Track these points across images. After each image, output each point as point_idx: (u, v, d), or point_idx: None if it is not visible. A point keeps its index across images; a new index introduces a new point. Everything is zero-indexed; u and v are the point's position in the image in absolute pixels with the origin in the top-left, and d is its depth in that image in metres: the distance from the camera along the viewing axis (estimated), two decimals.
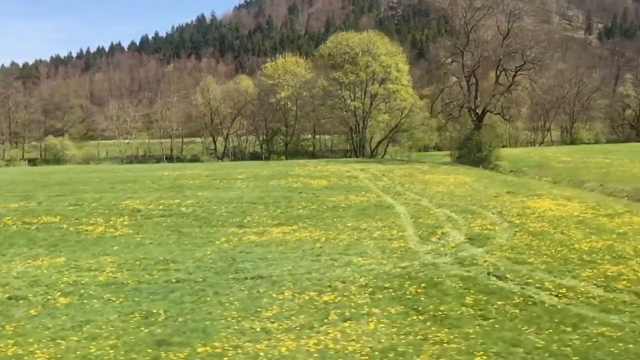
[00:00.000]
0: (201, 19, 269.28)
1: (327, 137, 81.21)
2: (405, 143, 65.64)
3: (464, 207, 24.71)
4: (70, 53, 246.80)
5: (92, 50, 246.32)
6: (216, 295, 12.13)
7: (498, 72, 51.32)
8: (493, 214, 22.92)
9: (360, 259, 15.36)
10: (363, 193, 29.29)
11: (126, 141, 73.64)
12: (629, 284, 12.76)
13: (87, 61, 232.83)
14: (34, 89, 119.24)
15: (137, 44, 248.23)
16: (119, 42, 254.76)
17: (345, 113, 62.82)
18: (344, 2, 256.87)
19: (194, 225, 20.76)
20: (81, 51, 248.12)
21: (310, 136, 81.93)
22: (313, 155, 76.91)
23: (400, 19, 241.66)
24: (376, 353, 9.04)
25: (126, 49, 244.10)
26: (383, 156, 65.35)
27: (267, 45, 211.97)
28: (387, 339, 9.58)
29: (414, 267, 14.29)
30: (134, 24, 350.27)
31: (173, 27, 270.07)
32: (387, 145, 66.53)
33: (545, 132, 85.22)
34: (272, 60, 76.77)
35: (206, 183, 33.68)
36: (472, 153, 50.84)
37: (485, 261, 14.94)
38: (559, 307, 11.31)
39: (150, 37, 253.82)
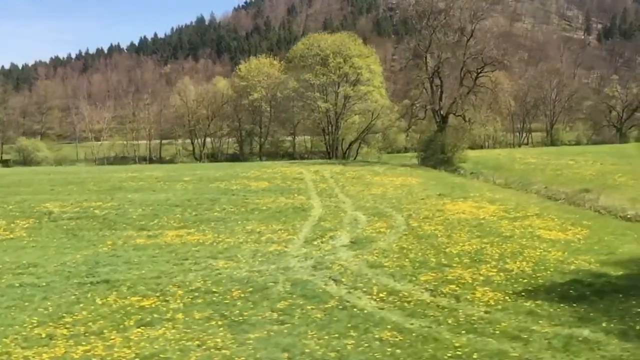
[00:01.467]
0: (200, 20, 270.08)
1: (307, 138, 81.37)
2: (375, 145, 65.72)
3: (381, 209, 24.82)
4: (70, 54, 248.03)
5: (92, 51, 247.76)
6: (42, 300, 12.29)
7: (462, 74, 51.25)
8: (402, 216, 23.02)
9: (223, 263, 15.49)
10: (295, 195, 29.42)
11: (98, 143, 74.19)
12: (456, 289, 12.86)
13: (85, 62, 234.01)
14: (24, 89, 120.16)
15: (137, 46, 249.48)
16: (118, 43, 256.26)
17: (316, 114, 62.93)
18: (343, 3, 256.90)
19: (95, 229, 20.94)
20: (80, 52, 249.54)
21: (290, 138, 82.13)
22: (292, 157, 77.18)
23: (399, 20, 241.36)
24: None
25: (125, 51, 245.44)
26: (355, 157, 65.44)
27: (264, 47, 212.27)
28: (162, 346, 9.72)
29: (263, 272, 14.41)
30: (136, 25, 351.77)
31: (172, 28, 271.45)
32: (359, 147, 66.60)
33: (525, 134, 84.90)
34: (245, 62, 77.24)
35: (148, 185, 33.87)
36: (435, 155, 50.84)
37: (340, 265, 15.04)
38: (366, 311, 11.44)
39: (149, 39, 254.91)
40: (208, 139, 77.58)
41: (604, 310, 11.38)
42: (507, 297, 12.27)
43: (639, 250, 16.74)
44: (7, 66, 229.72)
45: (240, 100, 68.95)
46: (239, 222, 21.82)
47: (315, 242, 18.10)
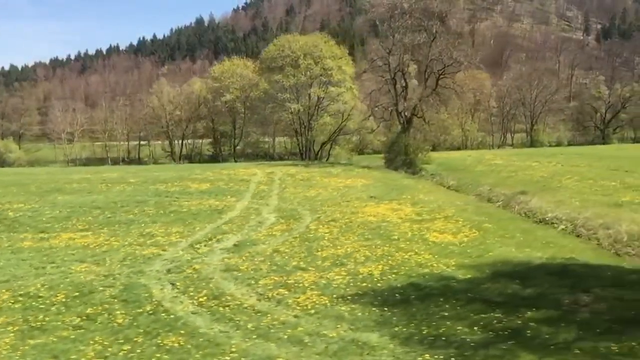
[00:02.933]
0: (200, 21, 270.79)
1: (287, 139, 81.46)
2: (345, 146, 65.73)
3: (298, 211, 24.89)
4: (70, 55, 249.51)
5: (91, 52, 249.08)
6: None
7: (426, 76, 51.16)
8: (312, 218, 23.03)
9: (84, 266, 15.57)
10: (226, 197, 29.55)
11: (74, 144, 74.56)
12: (285, 292, 12.90)
13: (84, 63, 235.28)
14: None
15: (135, 47, 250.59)
16: (117, 44, 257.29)
17: (287, 116, 63.01)
18: (341, 4, 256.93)
19: None
20: (79, 53, 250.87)
21: (269, 139, 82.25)
22: (272, 158, 77.30)
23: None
24: None
25: (124, 52, 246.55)
26: (327, 159, 65.44)
27: (261, 48, 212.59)
28: None
29: (114, 276, 14.46)
30: (136, 26, 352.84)
31: (172, 29, 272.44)
32: (330, 148, 66.59)
33: (504, 135, 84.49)
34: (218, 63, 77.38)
35: (89, 187, 34.08)
36: (398, 156, 50.78)
37: (193, 269, 15.09)
38: (174, 316, 11.50)
39: (148, 40, 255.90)
40: (188, 140, 77.78)
41: (410, 314, 11.37)
42: (328, 302, 12.26)
43: (510, 253, 16.62)
44: (8, 67, 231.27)
45: (214, 101, 69.12)
46: (143, 225, 21.90)
47: (198, 245, 18.15)
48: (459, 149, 76.34)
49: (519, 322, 10.94)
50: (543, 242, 18.42)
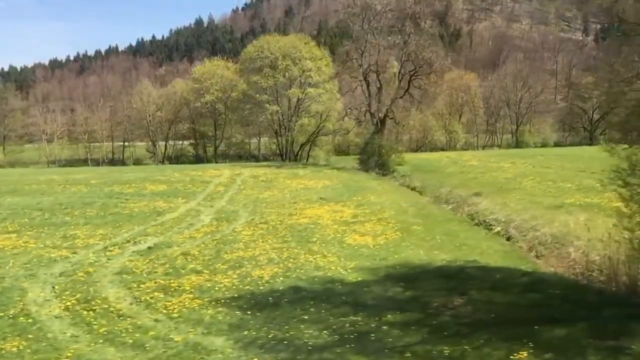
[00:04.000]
0: (199, 22, 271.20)
1: (271, 140, 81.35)
2: (322, 147, 65.68)
3: (238, 213, 24.93)
4: (69, 56, 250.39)
5: (91, 53, 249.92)
6: None
7: (400, 77, 51.07)
8: (245, 221, 23.05)
9: None
10: (177, 199, 29.61)
11: (50, 146, 74.87)
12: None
13: (82, 64, 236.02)
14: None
15: (134, 47, 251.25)
16: (116, 45, 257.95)
17: (265, 117, 63.04)
18: (340, 5, 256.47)
19: None
20: (78, 54, 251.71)
21: (255, 140, 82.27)
22: (256, 159, 77.31)
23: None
24: None
25: (122, 52, 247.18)
26: (307, 160, 65.42)
27: None
28: None
29: None
30: (136, 26, 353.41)
31: (171, 30, 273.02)
32: (310, 149, 66.56)
33: (489, 136, 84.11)
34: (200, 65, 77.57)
35: (46, 188, 34.18)
36: (371, 158, 50.70)
37: (87, 272, 15.07)
38: None
39: (146, 40, 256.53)
40: (172, 141, 77.94)
41: (271, 318, 11.36)
42: (197, 305, 12.24)
43: (416, 256, 16.55)
44: (9, 67, 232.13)
45: (195, 102, 69.23)
46: (73, 227, 21.90)
47: (112, 248, 18.16)
48: (442, 149, 76.18)
49: (374, 325, 10.88)
50: (457, 245, 18.32)
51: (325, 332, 10.57)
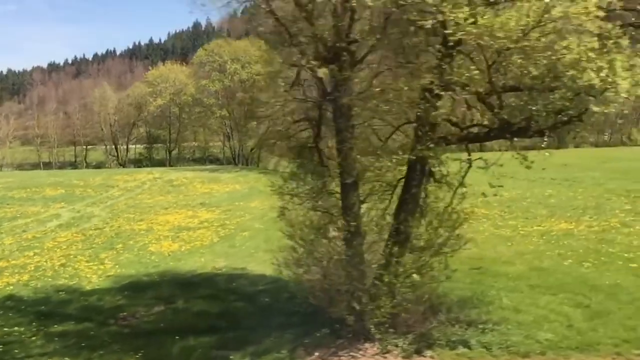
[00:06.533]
0: (197, 25, 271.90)
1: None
2: (276, 152, 65.30)
3: (90, 220, 25.08)
4: (67, 59, 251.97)
5: (89, 56, 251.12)
6: None
7: None
8: (88, 225, 23.21)
9: None
10: (59, 204, 30.02)
11: (21, 149, 75.33)
12: None
13: (78, 68, 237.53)
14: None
15: (131, 50, 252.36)
16: (114, 48, 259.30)
17: (213, 121, 63.21)
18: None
19: None
20: (75, 57, 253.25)
21: (219, 143, 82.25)
22: (220, 162, 77.26)
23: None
24: None
25: (120, 56, 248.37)
26: (258, 164, 65.34)
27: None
28: None
29: None
30: (135, 30, 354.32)
31: (169, 33, 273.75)
32: (259, 153, 66.38)
33: None
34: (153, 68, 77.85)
35: None
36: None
37: None
38: None
39: (143, 44, 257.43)
40: (133, 144, 78.26)
41: None
42: None
43: (197, 263, 16.60)
44: (13, 69, 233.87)
45: (148, 105, 69.46)
46: None
47: None
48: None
49: (31, 335, 10.94)
50: (265, 251, 18.17)
51: None
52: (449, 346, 9.71)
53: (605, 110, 9.03)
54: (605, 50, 9.05)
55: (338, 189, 10.75)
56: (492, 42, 8.84)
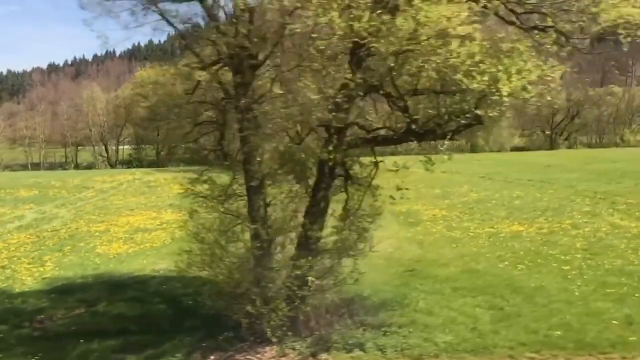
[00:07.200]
0: (197, 26, 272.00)
1: None
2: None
3: (52, 222, 25.15)
4: (67, 60, 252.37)
5: (88, 57, 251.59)
6: None
7: None
8: (49, 226, 23.26)
9: None
10: (29, 205, 30.05)
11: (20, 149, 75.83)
12: None
13: (77, 68, 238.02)
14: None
15: (131, 51, 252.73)
16: (113, 50, 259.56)
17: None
18: None
19: None
20: (75, 58, 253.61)
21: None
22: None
23: None
24: None
25: (118, 57, 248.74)
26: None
27: None
28: None
29: None
30: (134, 31, 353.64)
31: (168, 34, 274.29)
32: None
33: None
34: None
35: None
36: None
37: None
38: None
39: (142, 45, 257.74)
40: (121, 145, 78.45)
41: None
42: None
43: (140, 265, 16.62)
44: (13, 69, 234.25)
45: (134, 107, 69.51)
46: None
47: None
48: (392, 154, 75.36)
49: None
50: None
51: None
52: (346, 349, 9.70)
53: (491, 114, 9.08)
54: (496, 54, 9.10)
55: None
56: (388, 46, 8.91)
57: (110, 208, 28.54)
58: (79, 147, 79.53)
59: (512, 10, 10.22)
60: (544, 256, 15.52)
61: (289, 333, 9.85)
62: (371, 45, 9.01)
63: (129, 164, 78.66)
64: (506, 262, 15.13)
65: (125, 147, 77.77)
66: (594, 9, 9.28)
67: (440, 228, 20.40)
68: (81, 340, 10.37)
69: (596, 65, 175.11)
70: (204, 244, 10.51)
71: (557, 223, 19.79)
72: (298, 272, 9.83)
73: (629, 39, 9.12)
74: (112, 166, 77.44)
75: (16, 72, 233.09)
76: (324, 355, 9.58)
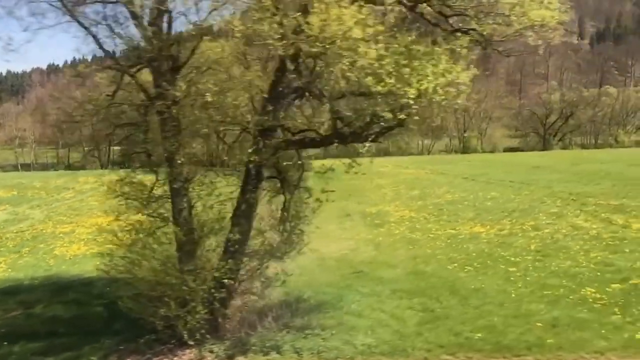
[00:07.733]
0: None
1: None
2: None
3: (21, 223, 25.12)
4: (66, 61, 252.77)
5: (88, 57, 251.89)
6: None
7: None
8: (15, 228, 23.26)
9: None
10: (3, 205, 29.92)
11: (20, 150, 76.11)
12: None
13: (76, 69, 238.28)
14: None
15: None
16: (113, 50, 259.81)
17: None
18: None
19: None
20: (74, 59, 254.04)
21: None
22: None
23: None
24: None
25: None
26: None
27: None
28: None
29: None
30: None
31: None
32: None
33: (432, 141, 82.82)
34: None
35: None
36: None
37: None
38: None
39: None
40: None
41: None
42: None
43: (82, 269, 16.51)
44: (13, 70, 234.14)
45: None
46: None
47: None
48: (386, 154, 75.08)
49: None
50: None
51: None
52: (263, 352, 9.66)
53: (401, 117, 9.04)
54: (408, 57, 9.07)
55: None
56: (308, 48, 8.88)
57: (83, 209, 28.49)
58: (71, 148, 79.49)
59: (440, 13, 10.23)
60: (495, 258, 15.44)
61: (208, 336, 9.82)
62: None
63: (121, 164, 78.38)
64: (455, 264, 15.04)
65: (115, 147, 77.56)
66: (508, 12, 9.27)
67: (403, 229, 20.31)
68: (5, 343, 10.31)
69: (595, 66, 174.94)
70: (125, 246, 10.45)
71: (519, 225, 19.67)
72: (216, 275, 9.80)
73: (539, 41, 9.11)
74: (104, 167, 77.31)
75: (15, 72, 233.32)
76: (240, 358, 9.54)
